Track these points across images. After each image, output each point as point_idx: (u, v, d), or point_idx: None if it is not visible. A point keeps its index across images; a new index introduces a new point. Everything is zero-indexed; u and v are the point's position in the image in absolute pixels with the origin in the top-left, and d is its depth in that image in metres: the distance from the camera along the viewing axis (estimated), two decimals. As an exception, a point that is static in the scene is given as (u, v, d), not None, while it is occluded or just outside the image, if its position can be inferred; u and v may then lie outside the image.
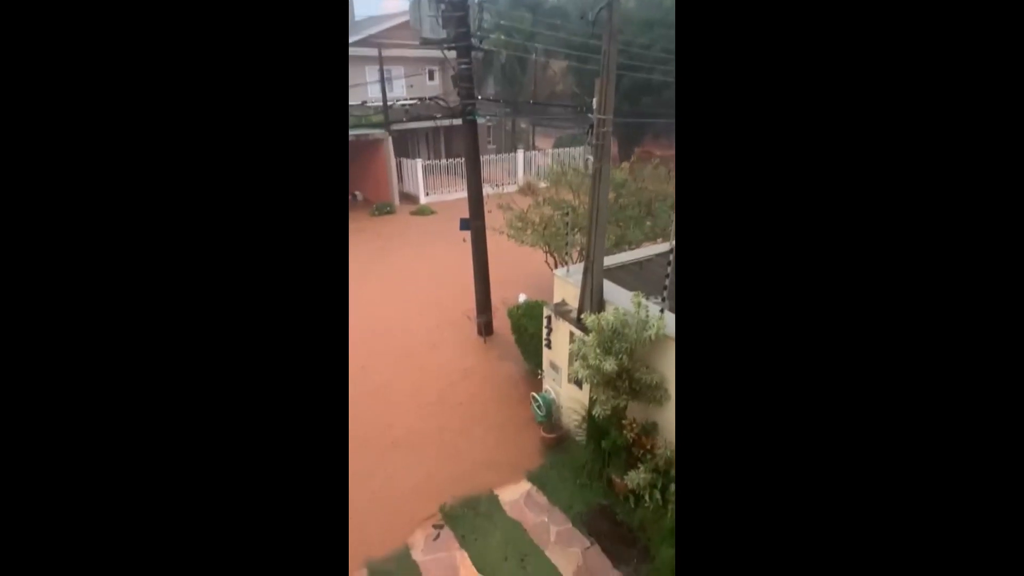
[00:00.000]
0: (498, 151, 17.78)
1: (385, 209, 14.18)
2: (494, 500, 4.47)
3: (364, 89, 15.47)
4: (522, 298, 6.71)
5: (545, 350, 5.39)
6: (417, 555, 3.98)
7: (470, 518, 4.29)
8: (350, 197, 15.80)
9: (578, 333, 4.73)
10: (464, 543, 4.07)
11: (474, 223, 6.85)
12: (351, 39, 16.50)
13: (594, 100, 3.94)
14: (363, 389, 6.07)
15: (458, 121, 6.68)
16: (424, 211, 14.16)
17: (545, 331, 5.28)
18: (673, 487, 3.85)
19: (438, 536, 4.14)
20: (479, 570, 3.85)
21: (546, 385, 5.49)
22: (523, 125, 20.19)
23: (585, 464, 4.57)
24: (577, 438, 4.91)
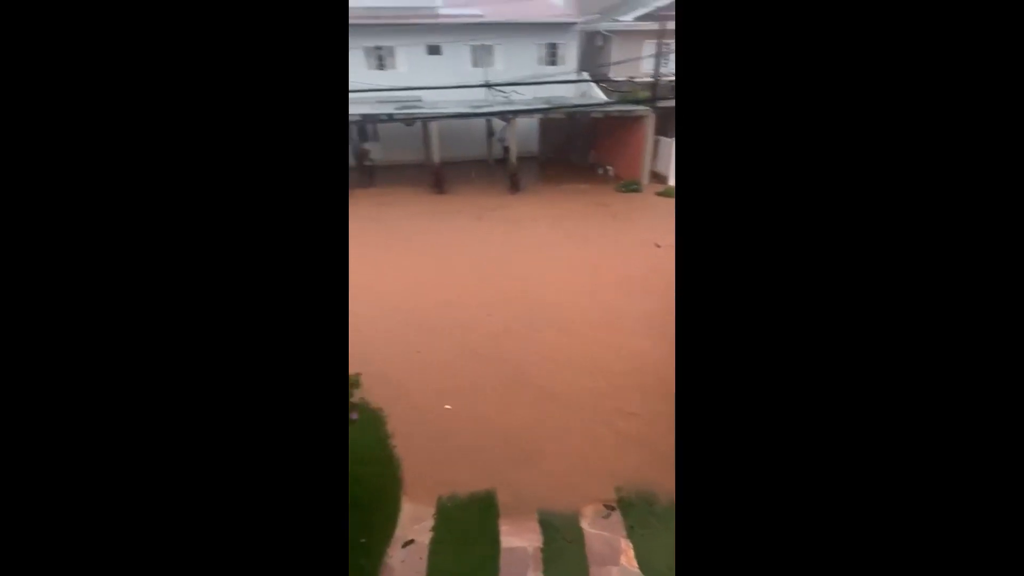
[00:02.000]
0: (773, 135, 15.48)
1: (631, 187, 14.10)
2: (674, 505, 4.22)
3: (636, 64, 15.31)
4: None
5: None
6: (584, 524, 4.10)
7: (644, 512, 4.17)
8: (599, 171, 16.20)
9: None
10: (631, 534, 4.00)
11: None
12: (636, 14, 16.38)
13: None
14: (569, 356, 6.37)
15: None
16: (670, 193, 13.55)
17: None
18: None
19: (608, 516, 4.17)
20: (640, 566, 3.75)
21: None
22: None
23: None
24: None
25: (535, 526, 4.09)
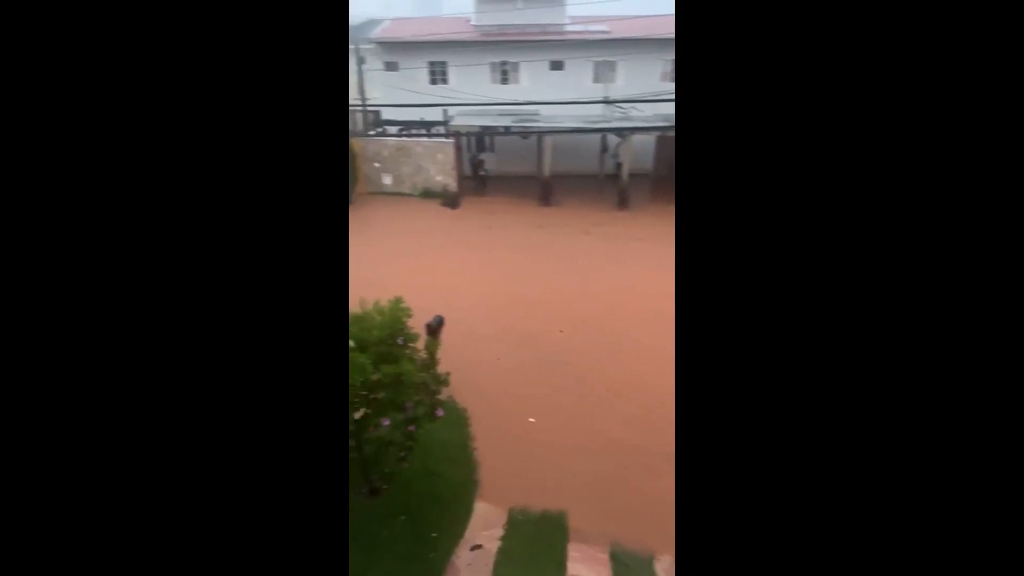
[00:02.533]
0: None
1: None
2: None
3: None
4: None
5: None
6: (659, 570, 3.84)
7: (728, 571, 3.79)
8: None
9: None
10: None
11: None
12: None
13: None
14: (665, 388, 6.04)
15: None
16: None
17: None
18: None
19: (686, 565, 3.85)
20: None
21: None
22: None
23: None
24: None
25: (605, 559, 3.91)
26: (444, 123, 14.84)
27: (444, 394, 4.30)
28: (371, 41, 16.39)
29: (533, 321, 7.57)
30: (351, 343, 3.42)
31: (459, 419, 5.39)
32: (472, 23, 16.62)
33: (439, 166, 14.21)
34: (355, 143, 13.77)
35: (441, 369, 4.21)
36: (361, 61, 15.72)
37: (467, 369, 6.02)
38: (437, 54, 15.88)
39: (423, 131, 15.48)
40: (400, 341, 3.73)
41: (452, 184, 14.20)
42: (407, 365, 3.58)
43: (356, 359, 3.30)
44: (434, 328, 5.82)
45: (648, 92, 15.21)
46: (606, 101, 14.40)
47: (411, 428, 3.81)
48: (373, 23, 20.23)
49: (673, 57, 16.22)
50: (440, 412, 4.03)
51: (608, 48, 16.03)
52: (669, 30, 15.92)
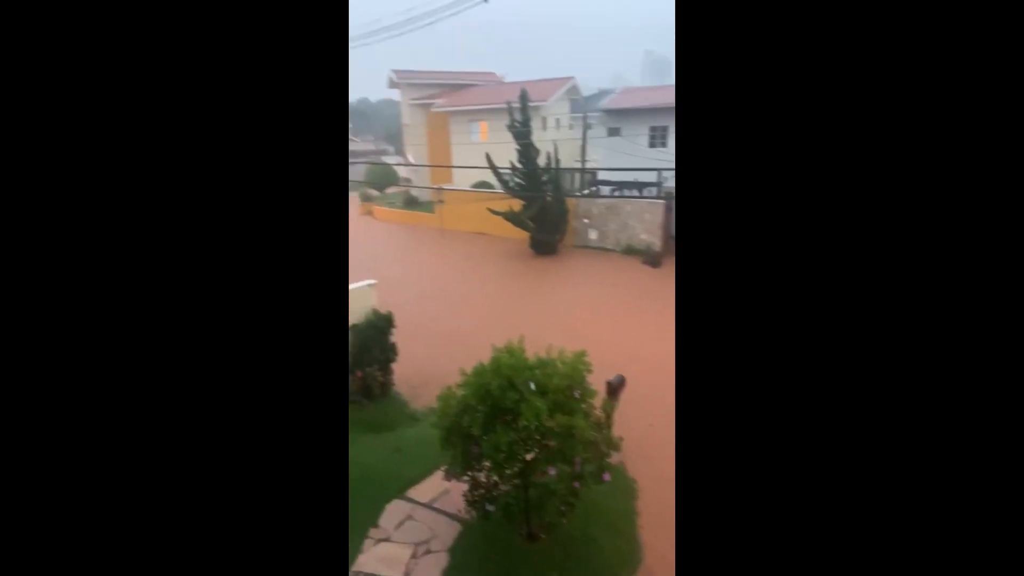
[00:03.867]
0: None
1: None
2: None
3: None
4: None
5: None
6: None
7: None
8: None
9: None
10: None
11: None
12: None
13: None
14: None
15: None
16: None
17: None
18: None
19: None
20: None
21: None
22: None
23: None
24: None
25: None
26: (657, 184, 14.89)
27: (614, 459, 4.17)
28: (598, 110, 17.71)
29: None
30: (532, 386, 3.64)
31: (627, 489, 5.11)
32: (700, 89, 16.56)
33: (645, 225, 14.23)
34: (569, 201, 14.83)
35: (615, 432, 4.11)
36: (588, 127, 17.05)
37: (644, 438, 5.71)
38: (658, 120, 16.24)
39: (635, 192, 15.79)
40: (577, 394, 3.80)
41: (656, 243, 14.01)
42: (580, 420, 3.62)
43: (535, 402, 3.49)
44: (614, 387, 5.74)
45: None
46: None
47: (576, 484, 3.79)
48: (603, 94, 21.85)
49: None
50: (607, 476, 3.91)
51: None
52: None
